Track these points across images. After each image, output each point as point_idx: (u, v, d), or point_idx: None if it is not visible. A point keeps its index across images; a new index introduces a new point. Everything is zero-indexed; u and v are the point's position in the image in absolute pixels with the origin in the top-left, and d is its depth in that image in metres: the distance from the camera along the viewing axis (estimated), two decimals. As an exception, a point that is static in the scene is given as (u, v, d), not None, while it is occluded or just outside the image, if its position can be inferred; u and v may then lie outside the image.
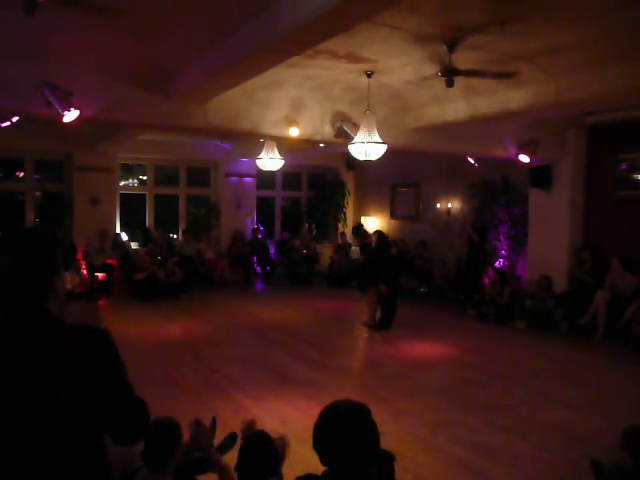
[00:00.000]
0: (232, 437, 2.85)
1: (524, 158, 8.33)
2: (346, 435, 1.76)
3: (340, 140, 7.14)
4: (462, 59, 5.24)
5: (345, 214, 14.04)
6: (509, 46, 5.16)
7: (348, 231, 13.75)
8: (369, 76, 6.14)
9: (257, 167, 10.78)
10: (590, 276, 8.51)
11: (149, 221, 12.54)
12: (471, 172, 10.50)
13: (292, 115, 7.17)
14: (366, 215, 13.81)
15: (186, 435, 2.48)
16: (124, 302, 10.03)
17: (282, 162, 9.94)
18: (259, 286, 12.36)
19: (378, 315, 8.44)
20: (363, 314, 8.60)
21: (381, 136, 6.37)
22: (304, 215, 14.06)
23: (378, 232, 8.76)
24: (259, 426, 2.90)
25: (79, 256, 10.43)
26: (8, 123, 7.90)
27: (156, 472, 2.34)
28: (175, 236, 12.87)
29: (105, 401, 1.49)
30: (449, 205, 11.59)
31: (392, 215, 13.23)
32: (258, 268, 12.60)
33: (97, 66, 5.84)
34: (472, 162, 10.11)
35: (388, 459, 2.17)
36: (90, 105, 5.87)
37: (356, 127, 6.64)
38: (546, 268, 8.93)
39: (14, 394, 1.41)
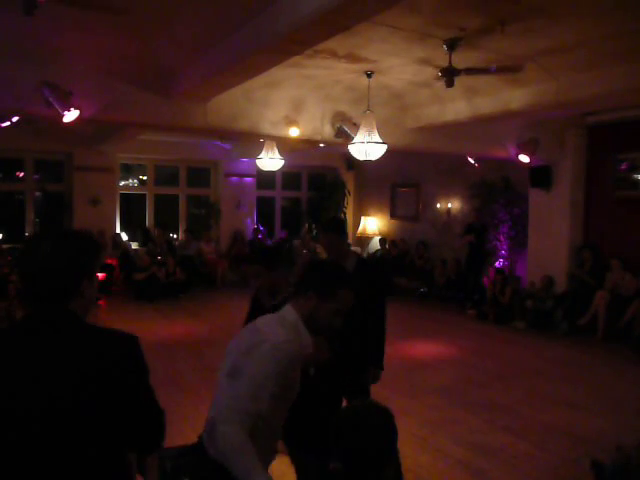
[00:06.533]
0: None
1: (524, 158, 8.33)
2: (367, 434, 1.77)
3: (340, 140, 7.13)
4: (462, 59, 5.24)
5: (345, 214, 14.04)
6: (509, 46, 5.16)
7: (349, 231, 13.72)
8: (369, 76, 6.13)
9: (257, 167, 10.78)
10: (590, 276, 8.51)
11: (149, 221, 12.54)
12: (471, 172, 10.50)
13: (292, 115, 7.17)
14: (366, 215, 13.80)
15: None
16: (124, 302, 10.03)
17: (282, 162, 9.94)
18: (259, 286, 12.33)
19: None
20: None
21: (381, 136, 6.36)
22: (304, 215, 14.06)
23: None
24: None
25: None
26: (8, 123, 7.91)
27: None
28: (175, 236, 12.87)
29: (123, 406, 1.48)
30: (449, 205, 11.59)
31: (392, 215, 13.23)
32: (258, 268, 12.57)
33: (97, 66, 5.84)
34: (472, 162, 10.11)
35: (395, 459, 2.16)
36: (90, 105, 5.87)
37: (356, 127, 6.64)
38: (546, 268, 8.94)
39: (23, 390, 1.41)
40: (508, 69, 5.50)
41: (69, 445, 1.42)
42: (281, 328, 2.07)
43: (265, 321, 2.16)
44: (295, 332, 2.08)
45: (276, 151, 9.76)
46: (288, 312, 2.16)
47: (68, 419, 1.41)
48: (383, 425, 1.81)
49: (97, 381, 1.43)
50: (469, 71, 5.35)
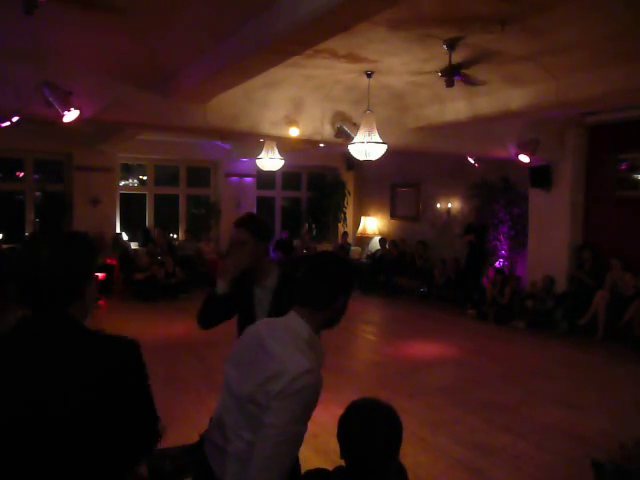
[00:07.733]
0: None
1: (524, 158, 8.32)
2: (373, 432, 1.77)
3: (340, 140, 7.13)
4: (462, 59, 5.24)
5: (345, 214, 14.04)
6: (509, 46, 5.17)
7: (349, 231, 13.76)
8: (369, 76, 6.14)
9: (257, 167, 10.78)
10: (590, 276, 8.51)
11: (149, 221, 12.54)
12: (471, 172, 10.50)
13: (292, 115, 7.17)
14: (366, 215, 13.81)
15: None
16: (124, 302, 10.03)
17: (282, 162, 9.94)
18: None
19: None
20: (364, 313, 8.58)
21: (381, 136, 6.37)
22: (304, 215, 14.06)
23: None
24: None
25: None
26: (8, 123, 7.90)
27: None
28: (175, 236, 12.87)
29: (121, 412, 1.46)
30: (449, 205, 11.59)
31: (392, 215, 13.23)
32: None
33: (97, 66, 5.84)
34: (472, 162, 10.11)
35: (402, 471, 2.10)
36: (90, 105, 5.87)
37: (356, 127, 6.64)
38: (546, 268, 8.94)
39: (18, 397, 1.39)
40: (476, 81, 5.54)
41: (62, 454, 1.40)
42: (297, 351, 1.74)
43: (276, 341, 1.81)
44: (310, 349, 1.78)
45: (276, 151, 9.76)
46: (299, 324, 1.83)
47: (63, 426, 1.40)
48: (388, 422, 1.81)
49: (95, 387, 1.42)
50: (466, 77, 5.37)
